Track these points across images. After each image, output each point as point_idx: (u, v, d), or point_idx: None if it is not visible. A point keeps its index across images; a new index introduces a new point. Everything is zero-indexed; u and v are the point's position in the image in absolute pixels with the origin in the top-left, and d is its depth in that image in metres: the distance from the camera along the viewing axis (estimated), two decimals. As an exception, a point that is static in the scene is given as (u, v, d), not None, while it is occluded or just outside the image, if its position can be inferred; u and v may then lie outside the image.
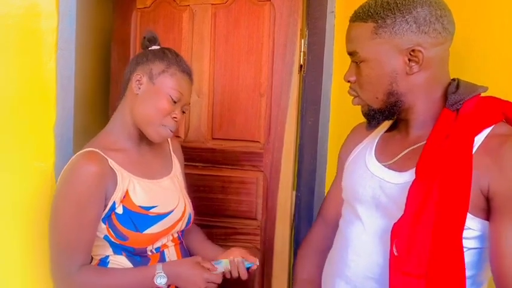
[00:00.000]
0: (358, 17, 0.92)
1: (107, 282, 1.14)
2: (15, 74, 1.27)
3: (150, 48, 1.24)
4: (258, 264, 1.27)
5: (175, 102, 1.17)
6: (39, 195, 1.30)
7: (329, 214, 1.18)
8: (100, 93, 1.56)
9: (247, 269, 1.25)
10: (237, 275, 1.24)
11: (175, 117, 1.18)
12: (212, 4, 1.82)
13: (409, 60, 0.87)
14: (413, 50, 0.86)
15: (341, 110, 1.60)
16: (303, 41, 1.72)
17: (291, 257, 1.78)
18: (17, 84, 1.27)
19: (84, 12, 1.38)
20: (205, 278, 1.15)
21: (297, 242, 1.76)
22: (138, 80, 1.17)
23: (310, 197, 1.70)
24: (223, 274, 1.23)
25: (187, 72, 1.22)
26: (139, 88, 1.17)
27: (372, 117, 0.95)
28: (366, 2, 0.92)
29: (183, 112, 1.23)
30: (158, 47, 1.25)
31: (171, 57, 1.20)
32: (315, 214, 1.66)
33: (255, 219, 1.81)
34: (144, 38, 1.27)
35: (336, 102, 1.62)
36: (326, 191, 1.65)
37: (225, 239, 1.79)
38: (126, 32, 1.91)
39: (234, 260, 1.24)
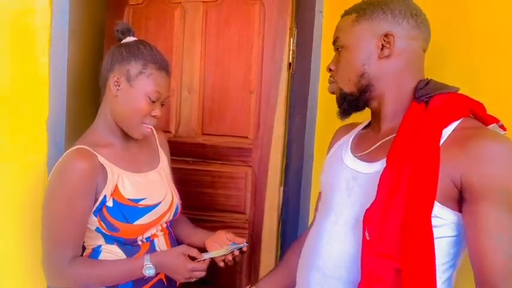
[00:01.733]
0: (346, 12, 1.05)
1: (98, 273, 1.17)
2: (10, 68, 1.30)
3: (124, 42, 1.24)
4: (247, 243, 1.32)
5: (154, 102, 1.19)
6: (32, 187, 1.34)
7: None
8: (92, 88, 1.59)
9: (239, 249, 1.30)
10: (231, 259, 1.29)
11: (155, 115, 1.21)
12: (203, 2, 1.85)
13: (382, 45, 0.95)
14: (386, 35, 0.95)
15: (328, 108, 1.63)
16: (291, 39, 1.76)
17: (278, 250, 1.82)
18: (11, 78, 1.30)
19: (76, 8, 1.40)
20: (189, 268, 1.19)
21: (283, 235, 1.80)
22: (116, 81, 1.19)
23: (297, 192, 1.72)
24: (217, 263, 1.28)
25: (164, 67, 1.22)
26: (118, 90, 1.19)
27: (343, 100, 1.02)
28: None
29: (163, 105, 1.25)
30: (133, 39, 1.25)
31: (146, 54, 1.20)
32: (301, 209, 1.69)
33: (244, 213, 1.85)
34: (118, 30, 1.25)
35: (323, 100, 1.65)
36: (312, 187, 1.70)
37: (214, 233, 1.83)
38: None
39: (227, 249, 1.29)
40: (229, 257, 1.29)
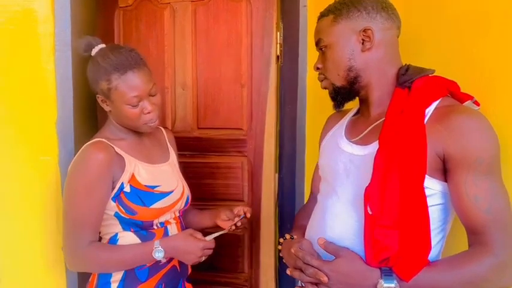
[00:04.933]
0: (322, 14, 1.14)
1: (112, 256, 1.27)
2: (18, 76, 1.37)
3: (92, 55, 1.26)
4: (248, 215, 1.44)
5: (137, 103, 1.24)
6: (46, 186, 1.42)
7: (317, 190, 1.30)
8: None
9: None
10: (240, 224, 1.42)
11: (148, 112, 1.26)
12: (192, 1, 1.93)
13: (363, 39, 1.06)
14: (365, 30, 1.05)
15: (317, 96, 1.72)
16: (278, 33, 1.85)
17: (277, 233, 1.93)
18: (20, 86, 1.37)
19: (77, 14, 1.46)
20: (200, 247, 1.28)
21: (281, 219, 1.90)
22: (102, 101, 1.28)
23: (291, 178, 1.82)
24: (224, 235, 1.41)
25: (130, 66, 1.21)
26: (107, 106, 1.28)
27: (337, 94, 1.13)
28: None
29: (153, 96, 1.27)
30: (98, 49, 1.26)
31: (106, 67, 1.20)
32: (296, 193, 1.80)
33: (242, 200, 1.95)
34: (81, 49, 1.28)
35: (311, 90, 1.73)
36: (306, 172, 1.79)
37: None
38: (110, 30, 1.98)
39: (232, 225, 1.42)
40: (238, 224, 1.42)
